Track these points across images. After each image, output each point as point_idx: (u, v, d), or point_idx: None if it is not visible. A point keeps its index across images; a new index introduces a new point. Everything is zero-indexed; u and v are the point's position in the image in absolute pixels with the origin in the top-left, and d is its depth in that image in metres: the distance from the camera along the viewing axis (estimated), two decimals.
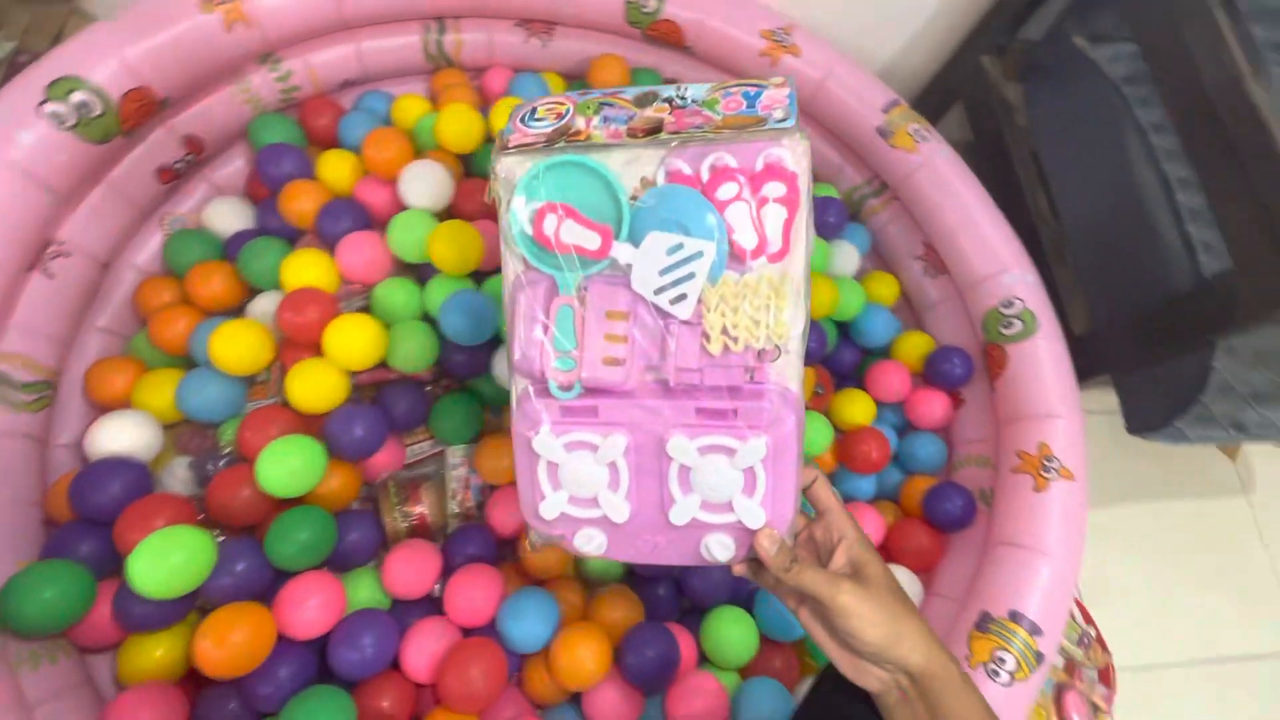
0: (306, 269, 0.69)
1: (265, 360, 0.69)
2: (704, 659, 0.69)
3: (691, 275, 0.36)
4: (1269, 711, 1.01)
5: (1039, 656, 0.62)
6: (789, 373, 0.37)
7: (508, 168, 0.38)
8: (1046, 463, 0.70)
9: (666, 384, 0.38)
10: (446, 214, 0.78)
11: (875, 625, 0.37)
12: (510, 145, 0.38)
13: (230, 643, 0.56)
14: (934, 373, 0.84)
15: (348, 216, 0.75)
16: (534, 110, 0.40)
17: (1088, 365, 0.76)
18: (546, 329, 0.38)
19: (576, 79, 0.92)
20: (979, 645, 0.63)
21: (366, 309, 0.73)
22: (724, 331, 0.37)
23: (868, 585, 0.38)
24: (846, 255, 0.89)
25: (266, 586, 0.62)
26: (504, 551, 0.73)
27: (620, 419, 0.39)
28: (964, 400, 0.86)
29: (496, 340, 0.71)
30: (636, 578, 0.72)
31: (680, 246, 0.36)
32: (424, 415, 0.73)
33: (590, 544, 0.42)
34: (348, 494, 0.69)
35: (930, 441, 0.86)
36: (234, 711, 0.59)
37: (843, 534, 0.41)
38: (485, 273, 0.75)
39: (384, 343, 0.68)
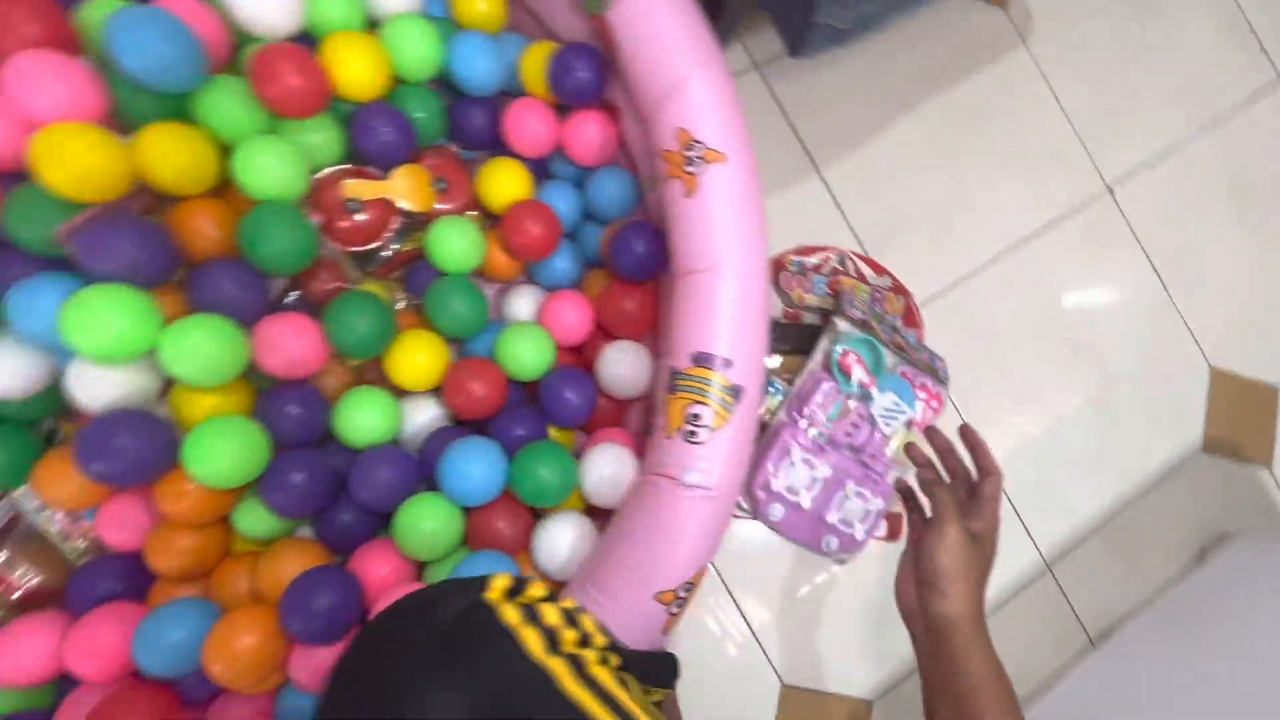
0: None
1: None
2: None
3: (897, 419, 0.77)
4: (1079, 264, 0.96)
5: (735, 390, 0.50)
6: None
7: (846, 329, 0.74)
8: (688, 154, 0.53)
9: (860, 455, 0.75)
10: None
11: (953, 559, 0.45)
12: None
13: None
14: (562, 89, 0.63)
15: None
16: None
17: None
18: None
19: None
20: (673, 409, 0.51)
21: None
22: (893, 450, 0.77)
23: (973, 543, 0.47)
24: None
25: None
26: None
27: (831, 459, 0.74)
28: (620, 108, 0.65)
29: None
30: (317, 521, 0.59)
31: (898, 405, 0.77)
32: None
33: (775, 514, 0.73)
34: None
35: (608, 178, 0.68)
36: None
37: (989, 520, 0.49)
38: None
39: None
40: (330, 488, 0.56)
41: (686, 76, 0.53)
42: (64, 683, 0.54)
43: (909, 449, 0.54)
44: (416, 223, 0.64)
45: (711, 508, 0.48)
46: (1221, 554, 0.93)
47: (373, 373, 0.62)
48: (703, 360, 0.50)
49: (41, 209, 0.49)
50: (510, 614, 0.34)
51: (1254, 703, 0.72)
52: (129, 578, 0.57)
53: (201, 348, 0.50)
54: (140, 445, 0.49)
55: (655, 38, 0.54)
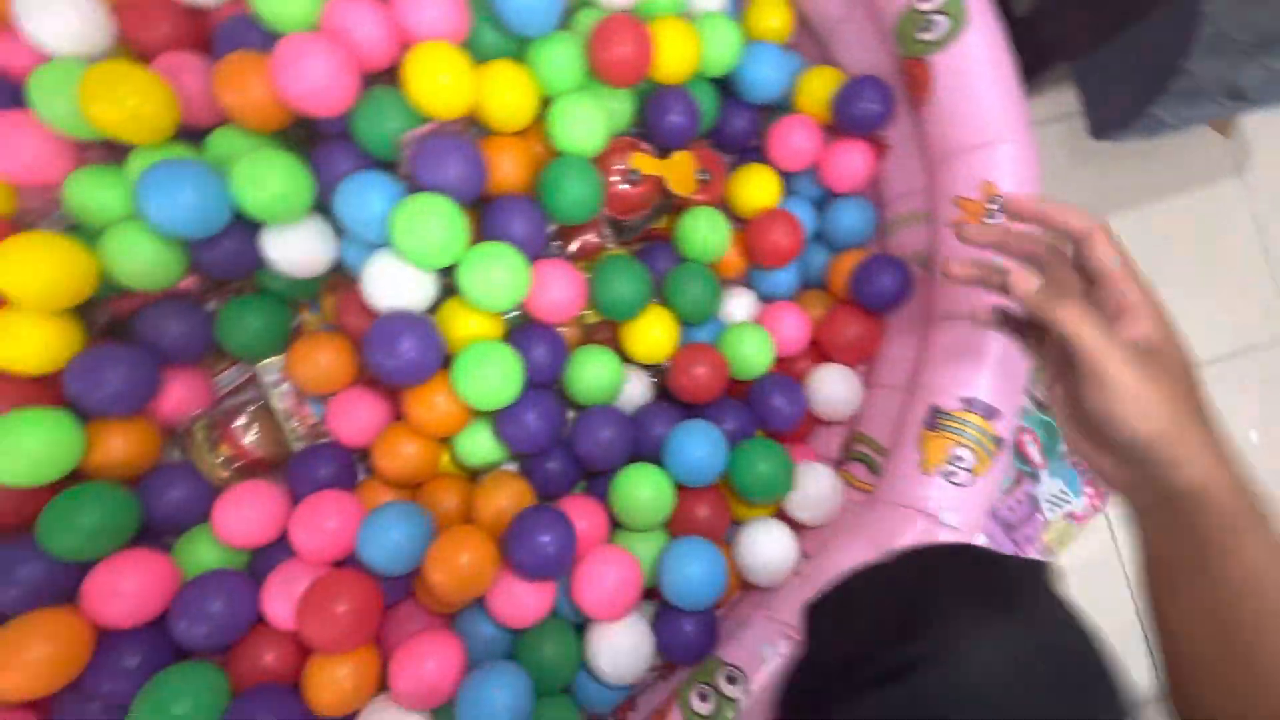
0: None
1: None
2: (620, 528, 0.60)
3: (1060, 507, 0.77)
4: (1268, 399, 0.95)
5: (998, 441, 0.51)
6: None
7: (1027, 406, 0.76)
8: (990, 206, 0.54)
9: (1013, 534, 0.76)
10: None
11: (1145, 416, 0.29)
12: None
13: (26, 662, 0.47)
14: (846, 116, 0.65)
15: None
16: None
17: (1036, 57, 0.56)
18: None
19: None
20: (933, 447, 0.52)
21: (72, 227, 0.55)
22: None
23: (1151, 363, 0.30)
24: None
25: (73, 582, 0.52)
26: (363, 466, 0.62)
27: (985, 528, 0.75)
28: (889, 146, 0.67)
29: (244, 223, 0.52)
30: (526, 461, 0.61)
31: (1064, 494, 0.77)
32: (206, 335, 0.58)
33: None
34: (143, 454, 0.56)
35: (854, 207, 0.70)
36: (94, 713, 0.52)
37: (1127, 304, 0.32)
38: (199, 131, 0.54)
39: (89, 264, 0.51)
40: (556, 432, 0.58)
41: (1001, 135, 0.55)
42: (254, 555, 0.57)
43: (960, 229, 0.39)
44: (669, 205, 0.67)
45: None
46: None
47: (601, 334, 0.64)
48: (973, 406, 0.51)
49: (392, 115, 0.52)
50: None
51: None
52: (344, 469, 0.60)
53: (496, 275, 0.53)
54: (422, 348, 0.52)
55: (976, 90, 0.55)
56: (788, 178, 0.72)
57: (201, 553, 0.56)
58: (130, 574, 0.51)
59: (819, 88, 0.67)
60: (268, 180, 0.50)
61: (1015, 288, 0.33)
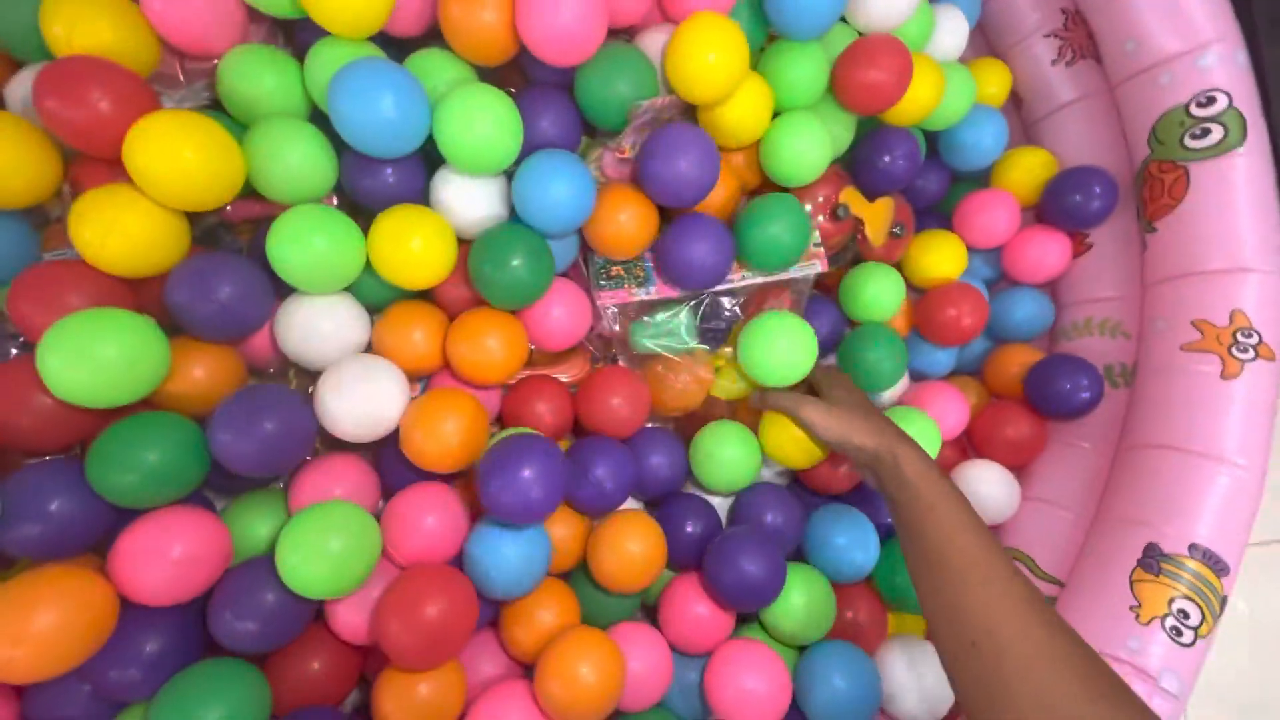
0: (90, 22, 0.40)
1: (50, 182, 0.42)
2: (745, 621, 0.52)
3: None
4: None
5: (1224, 602, 0.45)
6: None
7: None
8: (1241, 339, 0.49)
9: None
10: None
11: (828, 429, 0.46)
12: None
13: (35, 633, 0.36)
14: (1057, 206, 0.60)
15: None
16: None
17: None
18: None
19: None
20: (1149, 594, 0.46)
21: (211, 104, 0.46)
22: None
23: (828, 403, 0.48)
24: (955, 29, 0.60)
25: (106, 534, 0.41)
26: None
27: None
28: (1090, 245, 0.63)
29: (430, 153, 0.44)
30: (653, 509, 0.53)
31: None
32: None
33: None
34: (223, 390, 0.46)
35: (1032, 300, 0.64)
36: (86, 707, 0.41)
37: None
38: (402, 41, 0.46)
39: (236, 161, 0.41)
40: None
41: (1258, 265, 0.50)
42: None
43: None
44: (854, 255, 0.61)
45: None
46: None
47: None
48: (1209, 559, 0.45)
49: (630, 78, 0.45)
50: None
51: None
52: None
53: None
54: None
55: (1236, 210, 0.51)
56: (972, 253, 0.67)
57: (258, 526, 0.46)
58: (179, 536, 0.41)
59: (1029, 168, 0.63)
60: (476, 122, 0.42)
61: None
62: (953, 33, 0.60)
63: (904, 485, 0.41)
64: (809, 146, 0.51)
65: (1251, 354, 0.48)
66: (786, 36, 0.49)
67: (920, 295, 0.63)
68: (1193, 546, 0.45)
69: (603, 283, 0.52)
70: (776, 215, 0.50)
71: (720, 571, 0.46)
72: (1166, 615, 0.44)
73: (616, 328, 0.53)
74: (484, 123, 0.42)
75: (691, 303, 0.54)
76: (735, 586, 0.45)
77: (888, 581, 0.52)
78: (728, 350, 0.56)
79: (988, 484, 0.58)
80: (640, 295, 0.52)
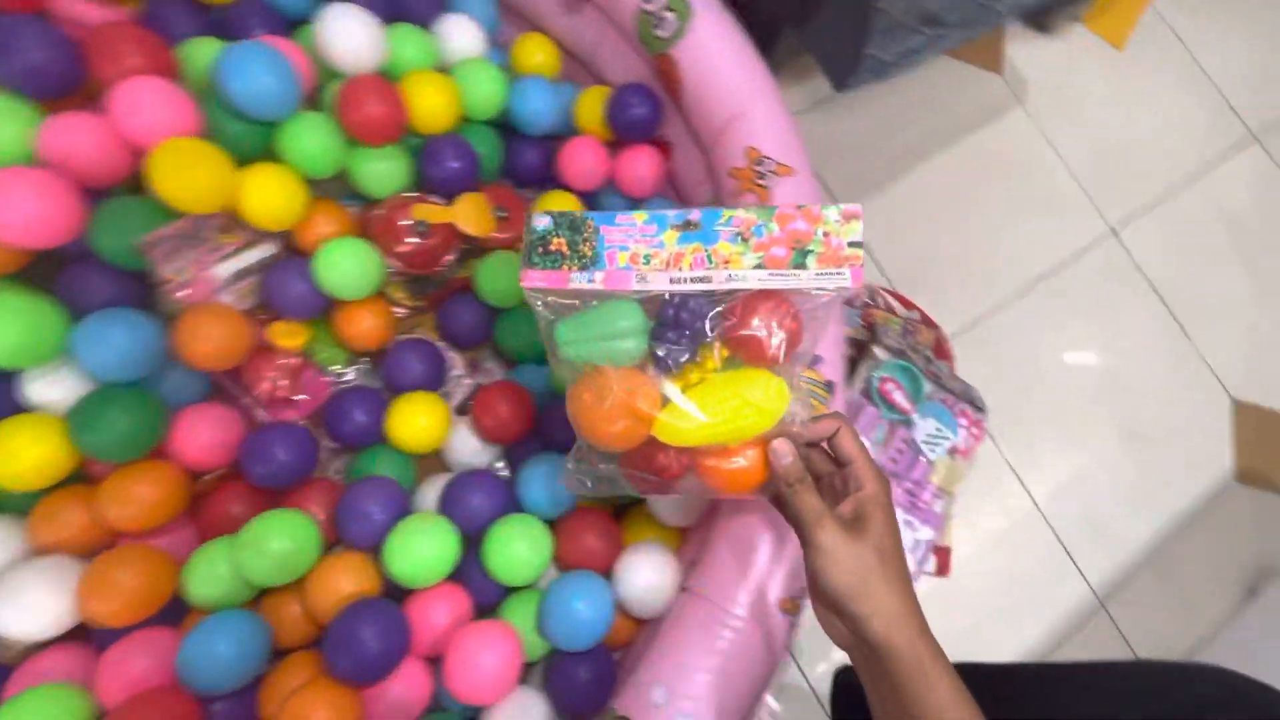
0: None
1: None
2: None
3: (940, 444, 0.76)
4: (1095, 301, 1.00)
5: (828, 386, 0.51)
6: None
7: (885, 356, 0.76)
8: (758, 169, 0.55)
9: (904, 482, 0.75)
10: None
11: (843, 572, 0.35)
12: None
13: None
14: (621, 126, 0.67)
15: None
16: None
17: (765, 32, 0.59)
18: None
19: None
20: None
21: None
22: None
23: (856, 534, 0.36)
24: (462, 33, 0.66)
25: None
26: None
27: None
28: (671, 144, 0.69)
29: None
30: None
31: (940, 431, 0.76)
32: None
33: None
34: None
35: (658, 206, 0.70)
36: None
37: (860, 486, 0.37)
38: None
39: None
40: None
41: (752, 102, 0.57)
42: None
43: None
44: (473, 252, 0.66)
45: None
46: (1272, 589, 0.91)
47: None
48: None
49: (131, 224, 0.50)
50: None
51: None
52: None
53: None
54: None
55: (720, 70, 0.58)
56: (591, 197, 0.72)
57: None
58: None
59: (594, 107, 0.69)
60: (7, 328, 0.46)
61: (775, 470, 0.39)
62: (463, 37, 0.66)
63: (908, 695, 0.33)
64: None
65: (772, 177, 0.55)
66: (269, 121, 0.54)
67: None
68: None
69: (535, 259, 0.39)
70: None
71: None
72: None
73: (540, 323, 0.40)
74: (14, 327, 0.46)
75: (643, 301, 0.38)
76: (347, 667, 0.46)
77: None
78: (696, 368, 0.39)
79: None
80: (579, 283, 0.38)
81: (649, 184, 0.69)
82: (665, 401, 0.38)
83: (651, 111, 0.65)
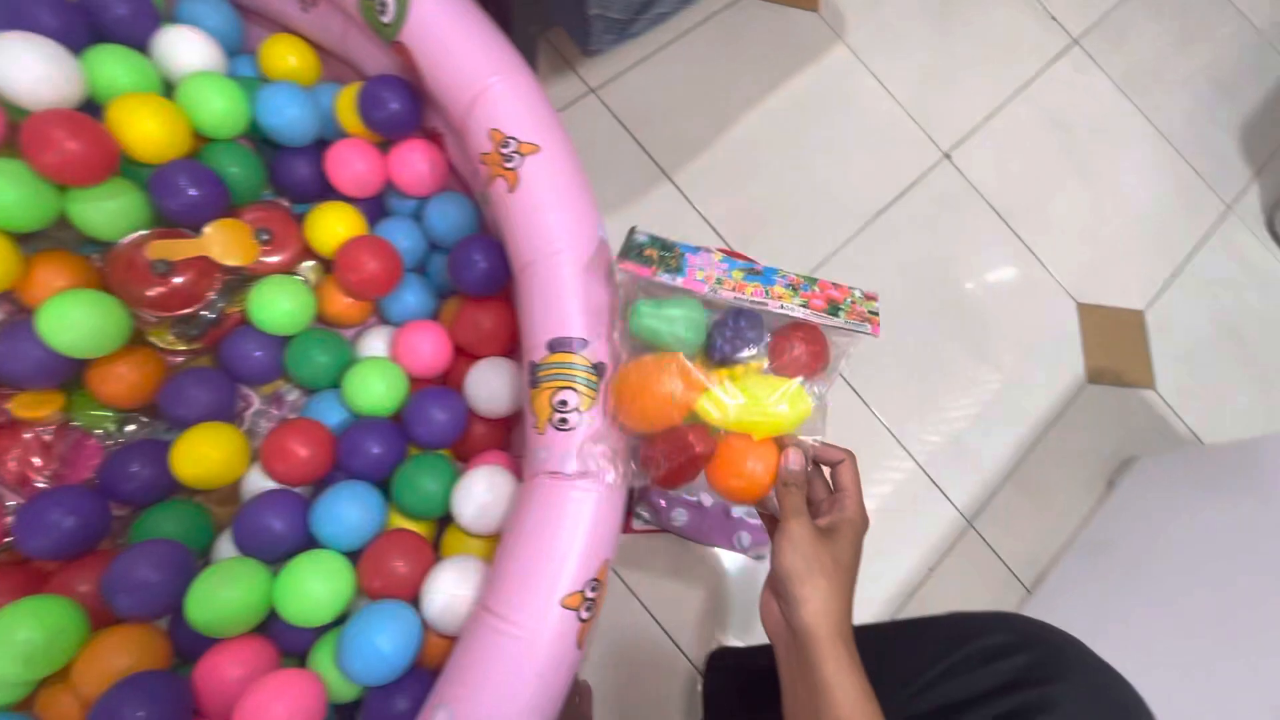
0: None
1: None
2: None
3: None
4: (935, 227, 1.01)
5: (598, 368, 0.49)
6: None
7: None
8: (504, 151, 0.52)
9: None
10: None
11: (798, 557, 0.39)
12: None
13: None
14: (375, 123, 0.63)
15: None
16: None
17: (499, 11, 0.56)
18: None
19: None
20: (540, 404, 0.48)
21: None
22: None
23: (824, 539, 0.40)
24: (186, 46, 0.60)
25: None
26: None
27: None
28: (442, 132, 0.65)
29: None
30: None
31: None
32: None
33: (679, 519, 0.74)
34: None
35: (443, 203, 0.67)
36: None
37: (844, 509, 0.42)
38: None
39: None
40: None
41: (488, 79, 0.53)
42: None
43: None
44: (245, 281, 0.61)
45: (601, 493, 0.45)
46: (1127, 478, 0.95)
47: None
48: (559, 345, 0.48)
49: None
50: None
51: (1183, 606, 0.73)
52: None
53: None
54: None
55: (451, 50, 0.54)
56: (376, 203, 0.68)
57: None
58: None
59: (352, 106, 0.64)
60: None
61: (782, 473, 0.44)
62: (187, 51, 0.60)
63: (817, 674, 0.36)
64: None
65: (518, 159, 0.52)
66: None
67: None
68: (550, 343, 0.48)
69: (631, 258, 0.46)
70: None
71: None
72: (553, 413, 0.47)
73: (621, 294, 0.47)
74: None
75: (716, 314, 0.47)
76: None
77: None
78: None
79: (483, 383, 0.61)
80: (663, 279, 0.45)
81: (429, 182, 0.65)
82: (703, 392, 0.45)
83: (404, 105, 0.61)
